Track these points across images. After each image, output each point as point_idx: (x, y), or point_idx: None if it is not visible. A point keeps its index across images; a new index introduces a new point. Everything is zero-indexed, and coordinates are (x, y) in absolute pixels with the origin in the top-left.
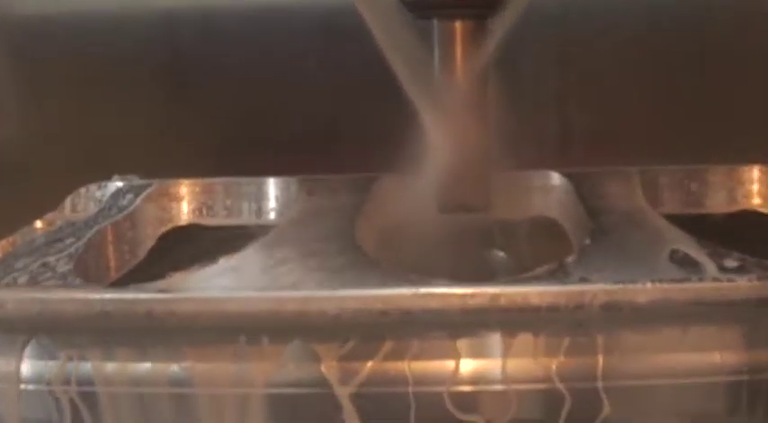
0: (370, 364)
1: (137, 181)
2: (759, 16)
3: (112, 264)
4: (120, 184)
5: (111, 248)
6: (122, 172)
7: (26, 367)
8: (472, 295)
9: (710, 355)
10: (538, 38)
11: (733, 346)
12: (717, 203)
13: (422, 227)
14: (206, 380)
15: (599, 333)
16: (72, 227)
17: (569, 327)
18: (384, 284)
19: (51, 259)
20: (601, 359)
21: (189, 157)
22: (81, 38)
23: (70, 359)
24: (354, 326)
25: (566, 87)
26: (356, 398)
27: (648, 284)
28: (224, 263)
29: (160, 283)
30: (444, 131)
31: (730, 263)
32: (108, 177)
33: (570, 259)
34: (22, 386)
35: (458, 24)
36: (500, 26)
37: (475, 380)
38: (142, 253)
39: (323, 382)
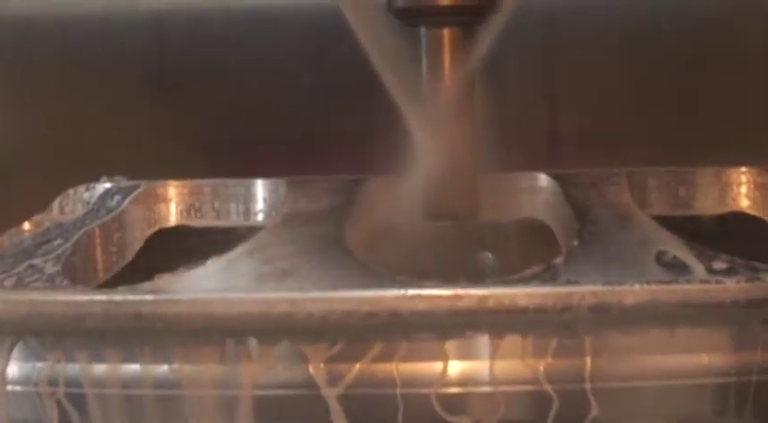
0: (358, 365)
1: (124, 182)
2: (745, 17)
3: (100, 265)
4: (107, 185)
5: (99, 250)
6: (110, 173)
7: (13, 369)
8: (460, 297)
9: (698, 357)
10: (526, 38)
11: (721, 347)
12: (705, 205)
13: (410, 229)
14: (194, 381)
15: (587, 334)
16: (60, 228)
17: (557, 328)
18: (372, 286)
19: (39, 261)
20: (589, 361)
21: (177, 159)
22: (68, 39)
23: (58, 361)
24: (342, 327)
25: (553, 89)
26: (344, 399)
27: (636, 286)
28: (212, 264)
29: (148, 285)
30: (431, 139)
31: (719, 264)
32: (96, 179)
33: (558, 261)
34: (10, 387)
35: (446, 32)
36: (487, 33)
37: (463, 381)
38: (130, 254)
39: (311, 384)
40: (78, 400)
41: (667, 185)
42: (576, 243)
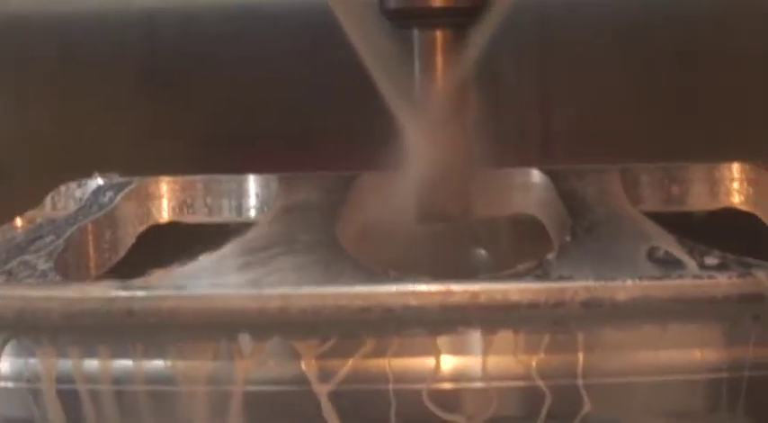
0: (350, 361)
1: (117, 179)
2: (738, 14)
3: (93, 262)
4: (100, 181)
5: (91, 246)
6: (104, 170)
7: (5, 365)
8: (452, 292)
9: (691, 353)
10: (519, 36)
11: (713, 343)
12: (697, 201)
13: (402, 224)
14: (186, 377)
15: (579, 330)
16: (52, 225)
17: (549, 324)
18: (364, 281)
19: (31, 257)
20: (581, 356)
21: (171, 156)
22: (61, 36)
23: (50, 357)
24: (335, 322)
25: (547, 86)
26: (335, 395)
27: (629, 281)
28: (204, 260)
29: (140, 281)
30: (424, 142)
31: (711, 260)
32: (88, 175)
33: (550, 256)
34: (2, 384)
35: (438, 34)
36: (480, 35)
37: (455, 377)
38: (122, 251)
39: (302, 380)
40: (71, 397)
41: (659, 181)
42: (568, 239)
